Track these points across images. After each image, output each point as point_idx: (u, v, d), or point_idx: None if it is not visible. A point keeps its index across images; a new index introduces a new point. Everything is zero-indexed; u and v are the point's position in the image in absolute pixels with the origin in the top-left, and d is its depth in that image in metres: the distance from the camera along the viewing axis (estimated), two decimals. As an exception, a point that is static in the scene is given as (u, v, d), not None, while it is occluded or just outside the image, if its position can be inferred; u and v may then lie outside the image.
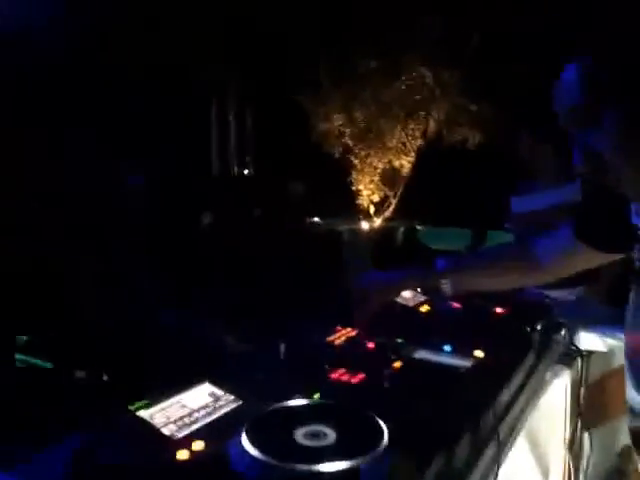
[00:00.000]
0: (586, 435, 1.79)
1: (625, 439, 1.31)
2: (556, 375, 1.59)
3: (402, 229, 8.49)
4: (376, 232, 8.60)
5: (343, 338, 1.26)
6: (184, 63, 6.95)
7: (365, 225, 8.63)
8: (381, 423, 0.85)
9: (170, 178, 6.56)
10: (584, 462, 1.78)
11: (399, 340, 1.26)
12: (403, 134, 8.68)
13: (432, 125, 8.64)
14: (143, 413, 0.88)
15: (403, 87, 8.38)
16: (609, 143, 0.85)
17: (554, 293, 2.19)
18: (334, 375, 1.08)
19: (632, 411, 1.04)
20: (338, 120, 8.66)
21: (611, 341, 1.73)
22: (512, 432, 1.16)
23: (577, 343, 1.74)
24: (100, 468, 0.76)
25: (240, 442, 0.79)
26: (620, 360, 1.12)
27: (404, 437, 0.83)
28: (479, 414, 0.98)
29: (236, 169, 9.37)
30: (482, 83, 7.87)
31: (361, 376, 1.07)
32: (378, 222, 9.16)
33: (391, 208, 9.24)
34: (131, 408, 0.86)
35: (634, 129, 0.82)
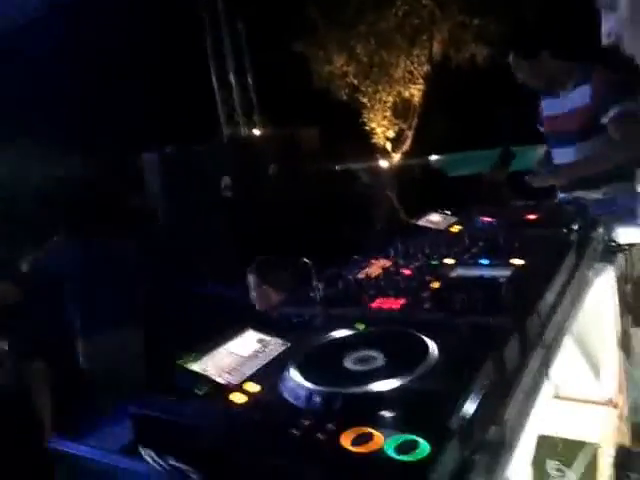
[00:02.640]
0: (638, 331, 1.77)
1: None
2: (599, 273, 1.56)
3: (421, 162, 8.31)
4: (396, 168, 8.47)
5: (378, 268, 1.26)
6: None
7: (384, 163, 8.51)
8: (426, 339, 0.85)
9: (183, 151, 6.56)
10: (637, 359, 1.76)
11: (434, 261, 1.25)
12: (408, 62, 8.40)
13: (437, 48, 8.32)
14: (195, 366, 0.90)
15: (400, 13, 8.05)
16: None
17: (582, 193, 2.13)
18: (375, 304, 1.08)
19: None
20: (339, 60, 8.42)
21: None
22: (559, 334, 1.15)
23: (616, 238, 1.70)
24: (172, 426, 0.79)
25: (294, 377, 0.81)
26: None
27: (452, 350, 0.83)
28: (523, 319, 0.98)
29: (245, 129, 9.29)
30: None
31: (402, 301, 1.07)
32: (397, 158, 9.01)
33: (408, 141, 9.05)
34: (180, 362, 0.88)
35: None
